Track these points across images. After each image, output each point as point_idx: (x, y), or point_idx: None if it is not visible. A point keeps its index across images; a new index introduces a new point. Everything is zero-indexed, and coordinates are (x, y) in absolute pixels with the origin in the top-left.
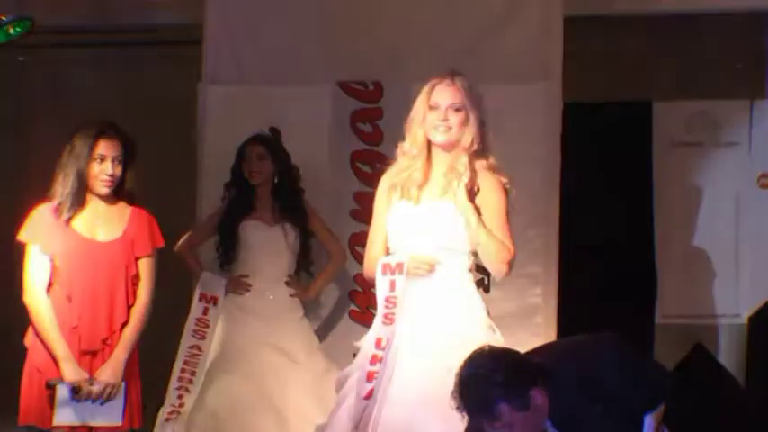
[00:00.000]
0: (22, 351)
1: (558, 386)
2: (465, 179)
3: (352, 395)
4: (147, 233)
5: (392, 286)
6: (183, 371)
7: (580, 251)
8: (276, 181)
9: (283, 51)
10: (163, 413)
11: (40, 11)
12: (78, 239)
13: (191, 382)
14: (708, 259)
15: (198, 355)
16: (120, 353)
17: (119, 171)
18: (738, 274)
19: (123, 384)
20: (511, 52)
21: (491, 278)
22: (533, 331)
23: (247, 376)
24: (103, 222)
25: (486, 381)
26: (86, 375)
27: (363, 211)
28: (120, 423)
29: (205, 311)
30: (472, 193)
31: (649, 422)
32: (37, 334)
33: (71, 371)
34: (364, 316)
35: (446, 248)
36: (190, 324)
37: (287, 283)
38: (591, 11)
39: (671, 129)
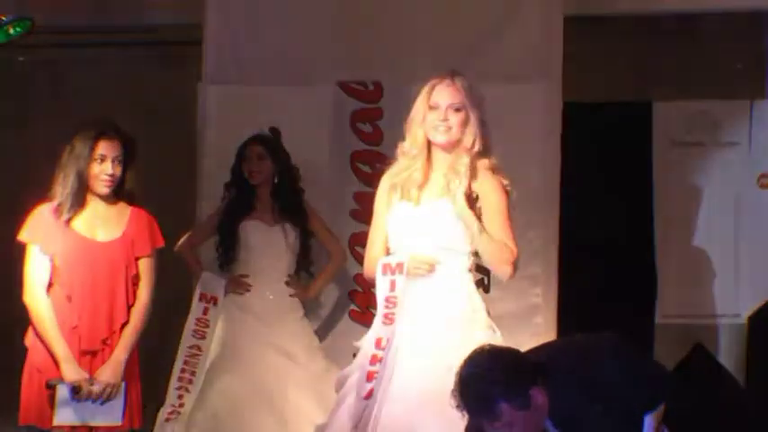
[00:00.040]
0: (22, 351)
1: (558, 386)
2: (463, 186)
3: (352, 395)
4: (147, 233)
5: (392, 286)
6: (183, 371)
7: (580, 251)
8: (276, 181)
9: (283, 51)
10: (163, 413)
11: (40, 11)
12: (78, 239)
13: (191, 382)
14: (708, 259)
15: (198, 355)
16: (120, 353)
17: (119, 171)
18: (738, 274)
19: (123, 384)
20: (511, 52)
21: (491, 278)
22: (533, 331)
23: (247, 376)
24: (103, 222)
25: (487, 380)
26: (86, 375)
27: (363, 211)
28: (120, 423)
29: (205, 311)
30: (471, 199)
31: (649, 422)
32: (37, 334)
33: (71, 371)
34: (364, 316)
35: (446, 248)
36: (190, 324)
37: (287, 283)
38: (591, 11)
39: (671, 129)
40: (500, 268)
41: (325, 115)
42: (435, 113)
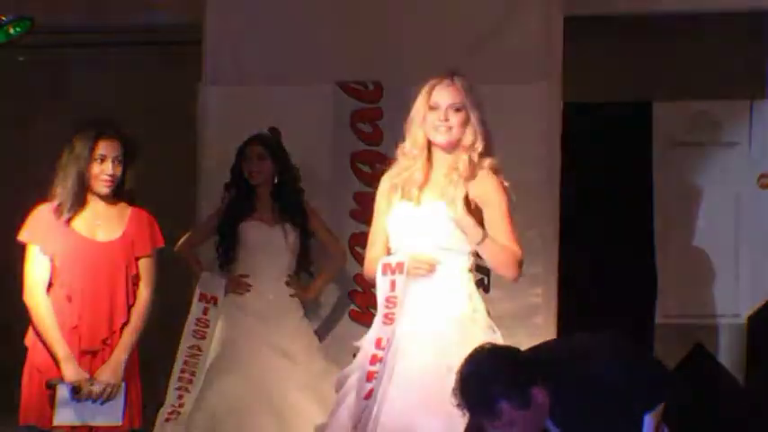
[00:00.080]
0: (23, 351)
1: (558, 385)
2: (461, 192)
3: (352, 395)
4: (147, 233)
5: (392, 286)
6: (183, 371)
7: (580, 251)
8: (276, 181)
9: (283, 51)
10: (163, 413)
11: (40, 11)
12: (78, 239)
13: (191, 382)
14: (708, 259)
15: (198, 355)
16: (120, 353)
17: (119, 171)
18: (738, 274)
19: (123, 384)
20: (511, 52)
21: (491, 278)
22: (533, 331)
23: (247, 376)
24: (103, 222)
25: (487, 379)
26: (86, 375)
27: (363, 211)
28: (120, 423)
29: (205, 311)
30: (470, 206)
31: (649, 421)
32: (37, 334)
33: (71, 371)
34: (364, 316)
35: (446, 248)
36: (190, 324)
37: (287, 283)
38: (591, 11)
39: (671, 129)
40: (506, 272)
41: (325, 115)
42: (435, 114)
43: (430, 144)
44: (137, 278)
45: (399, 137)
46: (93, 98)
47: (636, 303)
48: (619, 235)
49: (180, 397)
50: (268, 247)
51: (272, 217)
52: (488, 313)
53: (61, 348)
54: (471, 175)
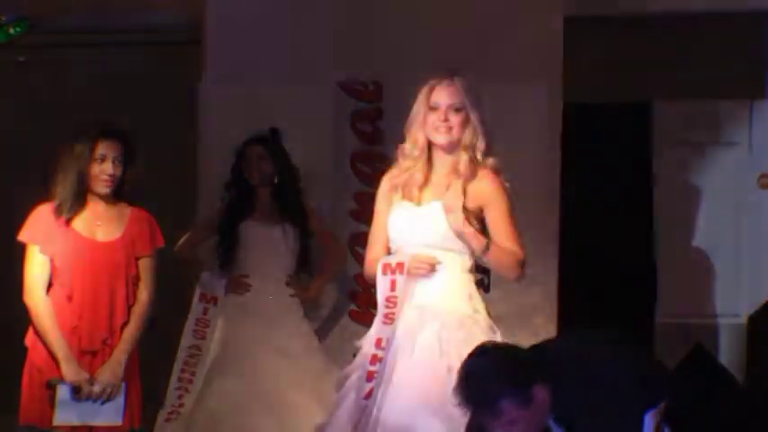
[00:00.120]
0: (23, 351)
1: (559, 383)
2: (460, 201)
3: (352, 395)
4: (147, 233)
5: (393, 286)
6: (182, 371)
7: (580, 251)
8: (276, 181)
9: (283, 51)
10: (163, 413)
11: (40, 11)
12: (78, 239)
13: (191, 382)
14: (708, 259)
15: (198, 355)
16: (121, 353)
17: (119, 171)
18: (738, 274)
19: (123, 384)
20: (511, 52)
21: (491, 278)
22: (533, 331)
23: (247, 376)
24: (104, 222)
25: (489, 377)
26: (87, 375)
27: (363, 211)
28: (120, 423)
29: (205, 311)
30: (470, 214)
31: (649, 421)
32: (37, 334)
33: (71, 371)
34: (364, 316)
35: (446, 249)
36: (190, 324)
37: (287, 284)
38: (591, 11)
39: (671, 129)
40: (509, 274)
41: (325, 115)
42: (435, 114)
43: (430, 144)
44: (137, 278)
45: (399, 137)
46: (93, 98)
47: (636, 303)
48: (619, 235)
49: (180, 397)
50: (268, 247)
51: (272, 217)
52: (488, 313)
53: (61, 348)
54: (472, 175)
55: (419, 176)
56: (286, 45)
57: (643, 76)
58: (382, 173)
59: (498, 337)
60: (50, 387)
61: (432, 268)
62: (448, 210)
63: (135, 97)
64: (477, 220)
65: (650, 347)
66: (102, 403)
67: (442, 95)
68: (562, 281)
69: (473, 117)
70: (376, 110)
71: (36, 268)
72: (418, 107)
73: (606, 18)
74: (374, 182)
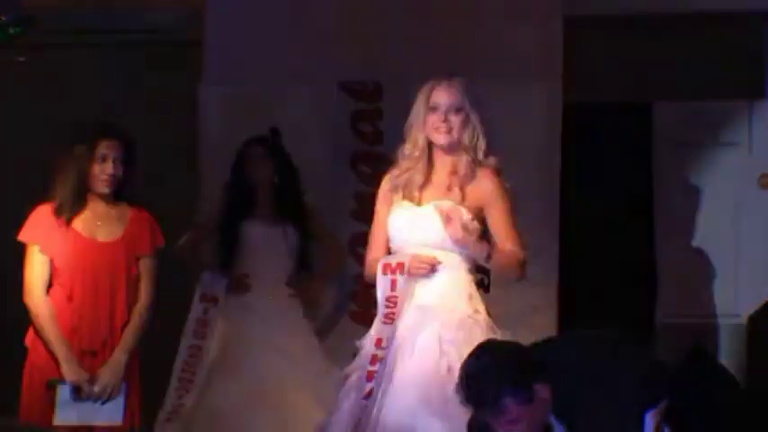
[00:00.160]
0: (23, 351)
1: (559, 383)
2: (461, 212)
3: (353, 395)
4: (147, 233)
5: (393, 286)
6: (183, 371)
7: (580, 251)
8: (276, 181)
9: (283, 51)
10: (163, 413)
11: (40, 11)
12: (79, 240)
13: (191, 382)
14: (708, 259)
15: (198, 355)
16: (121, 353)
17: (119, 171)
18: (738, 274)
19: (124, 384)
20: (511, 52)
21: (491, 278)
22: (533, 331)
23: (247, 376)
24: (104, 222)
25: (492, 375)
26: (87, 375)
27: (363, 211)
28: (120, 423)
29: (205, 311)
30: (468, 228)
31: (650, 420)
32: (37, 334)
33: (72, 371)
34: (364, 316)
35: (447, 249)
36: (190, 324)
37: (287, 284)
38: (591, 11)
39: (671, 129)
40: (511, 276)
41: (325, 115)
42: (435, 115)
43: (430, 145)
44: (137, 278)
45: (399, 137)
46: (94, 98)
47: (636, 303)
48: (619, 235)
49: (180, 397)
50: (268, 247)
51: (273, 217)
52: (488, 313)
53: (61, 348)
54: (472, 175)
55: (419, 177)
56: (286, 45)
57: (643, 76)
58: (382, 173)
59: (499, 337)
60: (51, 387)
61: (432, 268)
62: (446, 221)
63: (135, 97)
64: (478, 220)
65: (650, 347)
66: (103, 403)
67: (442, 96)
68: (562, 281)
69: (473, 117)
70: (376, 110)
71: (36, 268)
72: (418, 108)
73: (606, 18)
74: (374, 182)
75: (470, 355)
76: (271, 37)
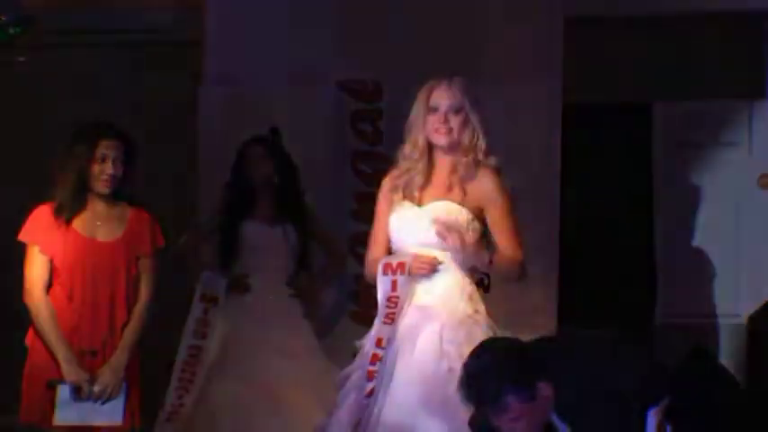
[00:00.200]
0: (23, 351)
1: (561, 381)
2: (461, 222)
3: (353, 395)
4: (147, 233)
5: (393, 286)
6: (183, 371)
7: (580, 251)
8: (276, 181)
9: (283, 51)
10: (163, 413)
11: (40, 11)
12: (79, 239)
13: (191, 381)
14: (708, 259)
15: (198, 355)
16: (121, 353)
17: (119, 171)
18: (738, 274)
19: (124, 384)
20: (511, 52)
21: (491, 278)
22: (533, 331)
23: (247, 376)
24: (104, 222)
25: (494, 373)
26: (87, 375)
27: (363, 211)
28: (120, 423)
29: (205, 311)
30: (465, 242)
31: (652, 419)
32: (37, 334)
33: (72, 371)
34: (364, 316)
35: (447, 249)
36: (190, 324)
37: (287, 284)
38: (591, 11)
39: (671, 129)
40: (511, 278)
41: (325, 115)
42: (435, 116)
43: (431, 146)
44: (137, 278)
45: (399, 137)
46: (93, 98)
47: (636, 303)
48: (619, 235)
49: (180, 397)
50: (268, 246)
51: (273, 217)
52: (488, 313)
53: (62, 348)
54: (472, 175)
55: (420, 178)
56: (286, 45)
57: (643, 76)
58: (382, 173)
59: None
60: (51, 387)
61: (433, 268)
62: (442, 237)
63: (134, 97)
64: (478, 219)
65: (650, 347)
66: (103, 403)
67: (442, 97)
68: (562, 281)
69: (473, 118)
70: (376, 110)
71: (36, 268)
72: (418, 109)
73: (606, 18)
74: (374, 182)
75: (472, 353)
76: (271, 37)
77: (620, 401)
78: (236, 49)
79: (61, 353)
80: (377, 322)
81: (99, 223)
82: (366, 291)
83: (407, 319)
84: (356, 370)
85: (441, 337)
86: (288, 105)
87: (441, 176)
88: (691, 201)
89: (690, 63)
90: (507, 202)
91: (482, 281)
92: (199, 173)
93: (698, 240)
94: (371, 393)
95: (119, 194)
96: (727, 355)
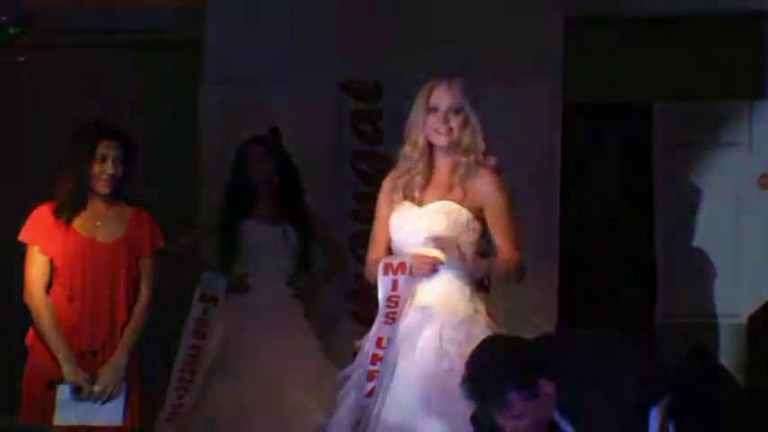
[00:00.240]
0: (23, 351)
1: (561, 381)
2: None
3: (353, 395)
4: (147, 233)
5: (394, 285)
6: (182, 371)
7: (580, 251)
8: (276, 181)
9: (283, 51)
10: (163, 413)
11: (40, 11)
12: (79, 239)
13: (191, 382)
14: (708, 259)
15: (198, 355)
16: (121, 353)
17: (119, 171)
18: (738, 274)
19: (124, 384)
20: (511, 52)
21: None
22: (533, 331)
23: (247, 376)
24: (104, 222)
25: (497, 370)
26: (87, 375)
27: (363, 211)
28: (120, 423)
29: (205, 311)
30: (464, 254)
31: (654, 417)
32: (37, 334)
33: (72, 371)
34: (364, 316)
35: (446, 264)
36: (190, 324)
37: (287, 284)
38: (591, 11)
39: (671, 129)
40: (510, 280)
41: (325, 115)
42: (435, 116)
43: (431, 146)
44: (137, 278)
45: (399, 137)
46: (93, 98)
47: (636, 303)
48: (619, 235)
49: (180, 397)
50: (268, 246)
51: (273, 217)
52: (489, 313)
53: (62, 349)
54: (472, 175)
55: (420, 178)
56: (286, 45)
57: (643, 76)
58: (382, 173)
59: None
60: (51, 387)
61: (434, 268)
62: (440, 248)
63: (135, 97)
64: (478, 219)
65: (650, 347)
66: (103, 403)
67: (442, 97)
68: (562, 281)
69: (473, 118)
70: (376, 110)
71: (36, 268)
72: (417, 109)
73: (606, 18)
74: (374, 182)
75: (475, 351)
76: (271, 37)
77: (619, 402)
78: (236, 49)
79: (61, 353)
80: (377, 322)
81: (99, 223)
82: (366, 291)
83: (408, 320)
84: (356, 370)
85: (441, 337)
86: (288, 105)
87: (441, 176)
88: (691, 201)
89: (690, 63)
90: (506, 202)
91: (482, 281)
92: (199, 173)
93: (698, 240)
94: (372, 393)
95: (119, 194)
96: (727, 355)
